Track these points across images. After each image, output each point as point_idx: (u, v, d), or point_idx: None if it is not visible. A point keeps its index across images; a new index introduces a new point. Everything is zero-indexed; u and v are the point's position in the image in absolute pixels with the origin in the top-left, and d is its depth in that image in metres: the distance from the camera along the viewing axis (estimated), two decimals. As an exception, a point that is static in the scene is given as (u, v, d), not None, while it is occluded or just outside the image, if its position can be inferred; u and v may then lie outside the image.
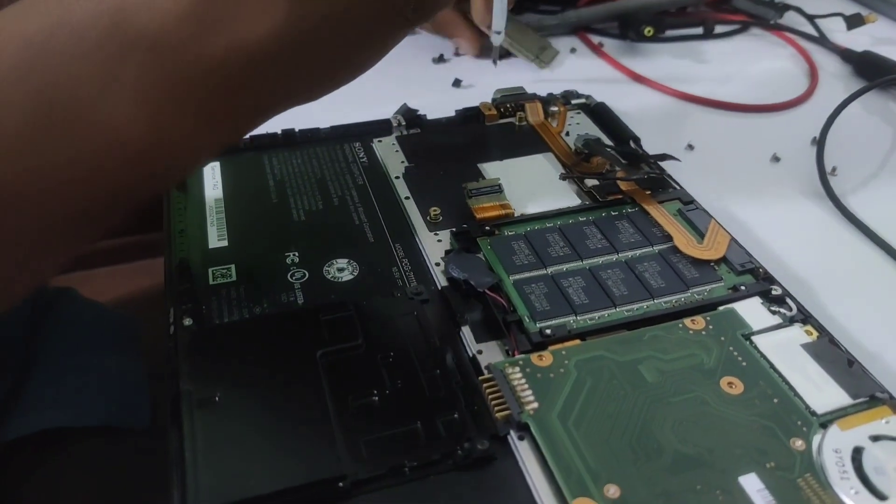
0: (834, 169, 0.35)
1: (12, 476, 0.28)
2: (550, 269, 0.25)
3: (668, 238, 0.27)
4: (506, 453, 0.20)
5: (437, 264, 0.26)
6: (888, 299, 0.28)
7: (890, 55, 0.43)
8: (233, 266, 0.26)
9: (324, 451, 0.19)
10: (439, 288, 0.25)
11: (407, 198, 0.30)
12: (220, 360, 0.22)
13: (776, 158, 0.36)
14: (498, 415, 0.20)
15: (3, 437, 0.29)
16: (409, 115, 0.34)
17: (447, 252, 0.26)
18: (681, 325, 0.23)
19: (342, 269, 0.26)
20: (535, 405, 0.21)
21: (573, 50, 0.46)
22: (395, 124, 0.34)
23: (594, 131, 0.34)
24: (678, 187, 0.30)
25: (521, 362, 0.22)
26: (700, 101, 0.40)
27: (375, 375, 0.21)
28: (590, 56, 0.45)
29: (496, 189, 0.29)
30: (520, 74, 0.43)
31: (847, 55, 0.45)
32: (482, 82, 0.42)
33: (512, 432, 0.20)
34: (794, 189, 0.34)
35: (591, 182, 0.30)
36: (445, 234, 0.27)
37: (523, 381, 0.21)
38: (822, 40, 0.48)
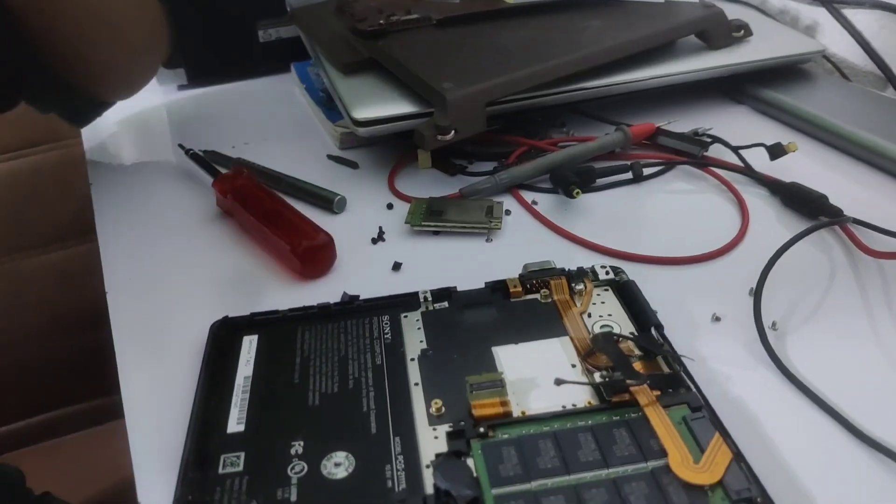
0: (774, 324, 0.35)
1: None
2: (534, 484, 0.26)
3: (665, 453, 0.26)
4: None
5: (429, 466, 0.27)
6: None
7: (817, 179, 0.45)
8: (242, 454, 0.28)
9: None
10: (425, 493, 0.26)
11: (416, 384, 0.31)
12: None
13: (717, 318, 0.36)
14: None
15: None
16: (437, 292, 0.36)
17: (437, 455, 0.27)
18: (656, 565, 0.23)
19: (339, 464, 0.27)
20: None
21: (508, 212, 0.45)
22: (421, 299, 0.36)
23: (618, 312, 0.34)
24: (692, 388, 0.29)
25: None
26: (635, 258, 0.40)
27: None
28: (525, 217, 0.45)
29: (497, 384, 0.29)
30: (462, 250, 0.42)
31: (775, 187, 0.46)
32: (423, 266, 0.41)
33: None
34: (738, 352, 0.34)
35: (599, 378, 0.30)
36: (444, 430, 0.28)
37: None
38: (748, 171, 0.48)
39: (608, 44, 0.52)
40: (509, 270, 0.37)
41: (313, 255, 0.39)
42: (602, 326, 0.33)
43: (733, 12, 0.57)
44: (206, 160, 0.50)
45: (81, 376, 0.66)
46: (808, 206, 0.44)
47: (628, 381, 0.29)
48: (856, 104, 0.55)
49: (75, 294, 0.66)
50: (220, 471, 0.27)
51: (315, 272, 0.39)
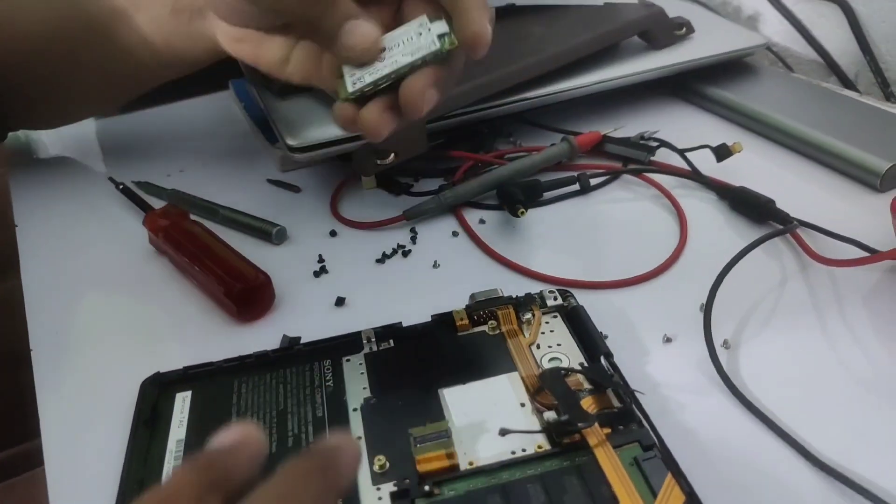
0: (726, 342, 0.34)
1: None
2: (483, 546, 0.24)
3: (616, 501, 0.25)
4: None
5: (372, 532, 0.26)
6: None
7: (766, 177, 0.45)
8: (173, 532, 0.26)
9: None
10: (369, 562, 0.25)
11: (359, 437, 0.29)
12: None
13: (668, 339, 0.35)
14: None
15: None
16: (381, 331, 0.34)
17: (381, 520, 0.26)
18: None
19: (277, 536, 0.26)
20: None
21: (455, 234, 0.44)
22: (364, 340, 0.34)
23: (567, 340, 0.33)
24: (643, 423, 0.28)
25: None
26: (583, 284, 0.39)
27: None
28: (467, 243, 0.43)
29: (443, 435, 0.28)
30: (408, 278, 0.41)
31: (722, 191, 0.45)
32: (368, 298, 0.39)
33: None
34: (691, 375, 0.33)
35: (549, 416, 0.29)
36: (388, 489, 0.27)
37: None
38: (696, 175, 0.47)
39: (552, 51, 0.51)
40: (457, 296, 0.36)
41: (249, 298, 0.37)
42: (551, 359, 0.32)
43: (675, 9, 0.57)
44: (138, 195, 0.47)
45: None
46: (755, 210, 0.43)
47: (579, 424, 0.27)
48: (799, 98, 0.54)
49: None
50: (150, 553, 0.26)
51: (252, 315, 0.38)
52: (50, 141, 0.60)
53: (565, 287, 0.37)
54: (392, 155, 0.43)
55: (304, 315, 0.38)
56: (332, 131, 0.46)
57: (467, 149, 0.51)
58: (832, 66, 0.62)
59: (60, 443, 0.33)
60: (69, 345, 0.38)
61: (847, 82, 0.61)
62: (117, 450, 0.30)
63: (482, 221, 0.45)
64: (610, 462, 0.27)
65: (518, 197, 0.43)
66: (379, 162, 0.43)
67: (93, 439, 0.32)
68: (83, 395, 0.35)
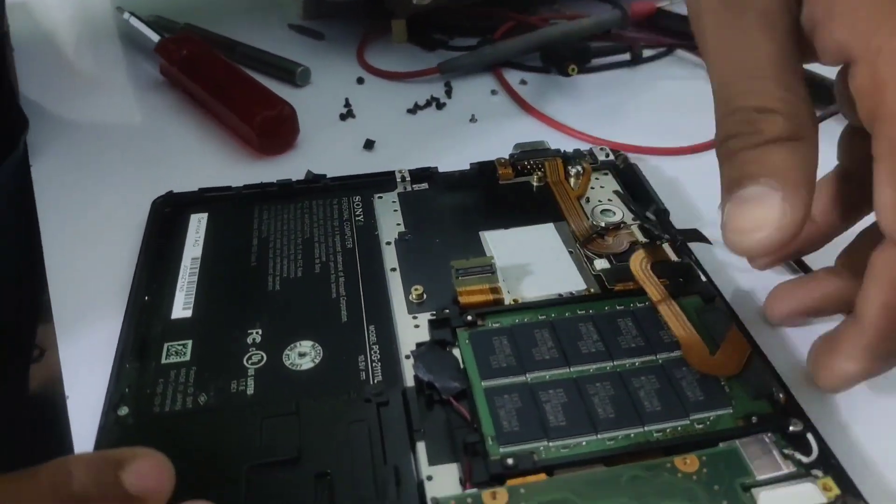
0: None
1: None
2: (530, 377, 0.22)
3: (676, 345, 0.23)
4: None
5: (408, 357, 0.23)
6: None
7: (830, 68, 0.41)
8: (189, 342, 0.24)
9: None
10: (405, 386, 0.23)
11: (393, 269, 0.27)
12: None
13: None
14: (429, 568, 0.18)
15: None
16: (416, 172, 0.32)
17: (418, 345, 0.24)
18: (669, 465, 0.20)
19: (304, 355, 0.24)
20: (475, 560, 0.18)
21: (494, 92, 0.41)
22: (398, 179, 0.32)
23: (617, 197, 0.31)
24: (703, 278, 0.26)
25: (469, 500, 0.19)
26: (632, 149, 0.35)
27: (303, 499, 0.19)
28: (510, 101, 0.40)
29: (487, 270, 0.26)
30: (443, 130, 0.38)
31: None
32: (399, 145, 0.36)
33: (444, 589, 0.18)
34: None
35: (600, 265, 0.27)
36: (425, 318, 0.25)
37: (468, 525, 0.18)
38: None
39: None
40: (497, 150, 0.33)
41: (272, 128, 0.34)
42: (602, 211, 0.30)
43: None
44: (149, 23, 0.43)
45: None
46: (820, 92, 0.40)
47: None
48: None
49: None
50: (164, 360, 0.23)
51: (274, 147, 0.35)
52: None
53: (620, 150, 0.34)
54: (432, -5, 0.40)
55: (330, 154, 0.35)
56: (368, -33, 0.42)
57: (509, 9, 0.47)
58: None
59: (64, 269, 0.29)
60: (73, 171, 0.35)
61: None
62: (126, 273, 0.28)
63: (523, 82, 0.41)
64: (668, 308, 0.24)
65: (567, 56, 0.39)
66: (415, 2, 0.39)
67: (99, 263, 0.29)
68: (88, 220, 0.32)
